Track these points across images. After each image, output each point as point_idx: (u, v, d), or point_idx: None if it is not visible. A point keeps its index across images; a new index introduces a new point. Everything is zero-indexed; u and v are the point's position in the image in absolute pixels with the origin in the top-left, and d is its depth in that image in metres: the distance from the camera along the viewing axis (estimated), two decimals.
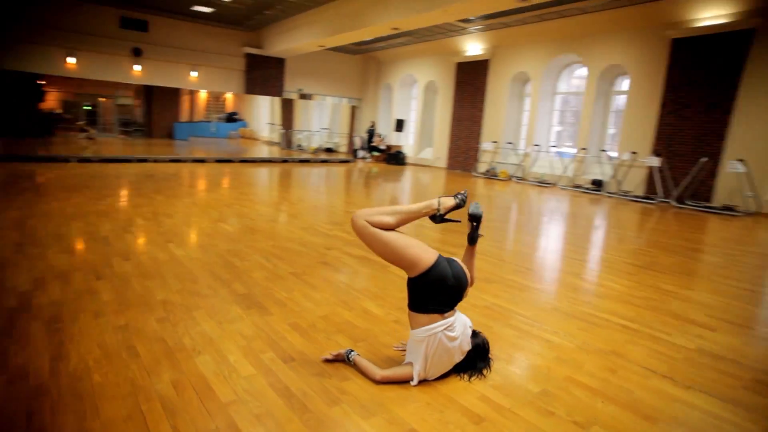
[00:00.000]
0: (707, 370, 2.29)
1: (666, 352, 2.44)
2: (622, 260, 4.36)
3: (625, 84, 10.50)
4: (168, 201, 5.77)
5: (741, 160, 8.17)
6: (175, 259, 3.43)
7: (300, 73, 14.91)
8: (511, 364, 2.19)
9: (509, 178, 12.19)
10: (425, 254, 1.89)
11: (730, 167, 8.29)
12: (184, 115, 15.68)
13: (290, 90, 14.92)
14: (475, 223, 2.09)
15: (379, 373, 1.93)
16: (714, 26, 8.55)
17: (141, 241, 3.89)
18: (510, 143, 12.53)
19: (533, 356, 2.28)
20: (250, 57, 13.55)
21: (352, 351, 2.06)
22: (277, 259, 3.62)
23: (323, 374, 1.97)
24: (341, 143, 16.72)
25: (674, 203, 8.91)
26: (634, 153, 9.67)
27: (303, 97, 15.69)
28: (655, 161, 9.12)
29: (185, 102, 15.59)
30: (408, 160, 15.27)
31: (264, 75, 13.94)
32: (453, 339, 1.94)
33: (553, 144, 12.01)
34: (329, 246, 4.12)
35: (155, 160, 10.64)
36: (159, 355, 2.03)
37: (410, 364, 1.97)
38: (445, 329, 1.91)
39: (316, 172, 10.99)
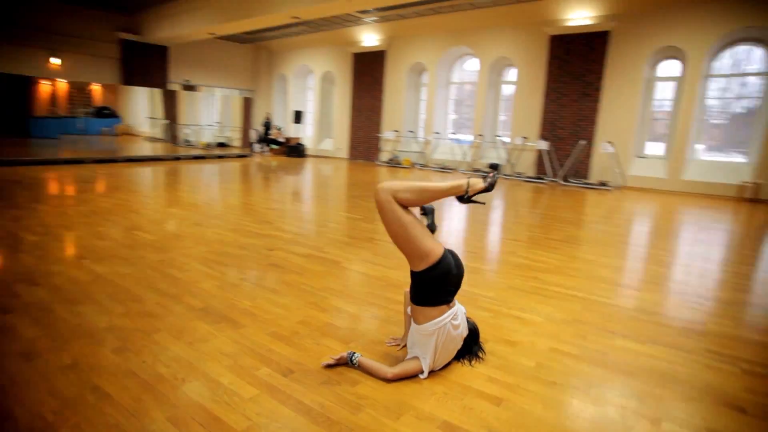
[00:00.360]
0: (649, 324, 2.64)
1: (615, 314, 2.76)
2: (543, 236, 4.80)
3: (512, 74, 11.46)
4: (57, 210, 4.93)
5: (610, 142, 9.47)
6: (101, 277, 2.96)
7: (186, 63, 13.71)
8: (498, 343, 2.29)
9: (412, 165, 12.62)
10: (435, 246, 1.88)
11: (602, 148, 9.57)
12: (40, 110, 13.46)
13: (176, 81, 13.64)
14: (430, 215, 2.23)
15: (390, 371, 1.89)
16: (581, 26, 9.72)
17: (45, 260, 3.28)
18: (411, 132, 12.96)
19: (513, 333, 2.42)
20: (126, 44, 12.08)
21: (355, 353, 1.98)
22: (220, 265, 3.31)
23: (330, 382, 1.87)
24: (234, 137, 15.78)
25: (561, 182, 10.03)
26: (525, 138, 10.65)
27: (188, 88, 14.46)
28: (544, 145, 10.15)
29: (41, 94, 13.39)
30: (308, 152, 14.98)
31: (144, 64, 12.55)
32: (457, 327, 1.97)
33: (452, 131, 12.70)
34: (270, 246, 3.88)
35: (13, 163, 9.00)
36: (136, 391, 1.75)
37: (416, 358, 1.96)
38: (451, 319, 1.94)
39: (214, 169, 10.24)
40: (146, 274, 3.06)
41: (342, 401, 1.74)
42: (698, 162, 9.39)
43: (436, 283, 1.89)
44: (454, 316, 1.95)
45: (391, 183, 1.87)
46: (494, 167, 11.22)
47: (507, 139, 11.32)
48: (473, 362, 2.07)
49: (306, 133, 15.65)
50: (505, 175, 10.87)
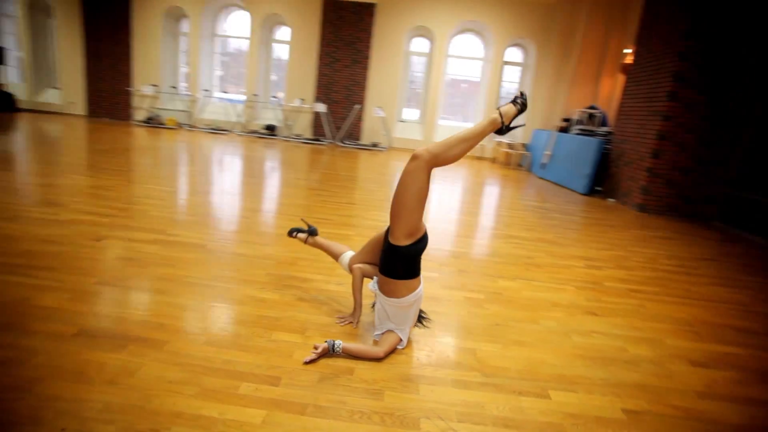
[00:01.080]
0: (503, 265, 3.31)
1: (480, 260, 3.34)
2: (374, 198, 5.17)
3: (284, 33, 11.21)
4: None
5: (381, 107, 10.56)
6: None
7: None
8: (426, 302, 2.49)
9: (178, 126, 11.14)
10: (423, 223, 1.90)
11: (375, 112, 10.59)
12: None
13: None
14: (306, 229, 2.43)
15: (381, 350, 1.88)
16: None
17: None
18: (173, 87, 11.31)
19: (428, 291, 2.66)
20: None
21: (336, 341, 1.86)
22: (39, 270, 2.37)
23: (327, 377, 1.72)
24: None
25: (339, 143, 10.66)
26: (302, 100, 10.75)
27: None
28: (322, 107, 10.50)
29: None
30: (21, 105, 11.30)
31: None
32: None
33: (221, 89, 11.67)
34: (94, 235, 2.97)
35: None
36: None
37: (390, 331, 1.98)
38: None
39: None
40: None
41: (357, 392, 1.65)
42: (445, 126, 11.49)
43: (417, 256, 1.93)
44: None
45: (433, 146, 1.78)
46: (271, 128, 11.02)
47: (282, 101, 11.19)
48: (425, 323, 2.22)
49: (11, 79, 11.65)
50: (284, 136, 10.82)
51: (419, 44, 11.25)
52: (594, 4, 9.18)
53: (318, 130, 10.97)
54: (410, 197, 1.81)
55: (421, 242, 1.90)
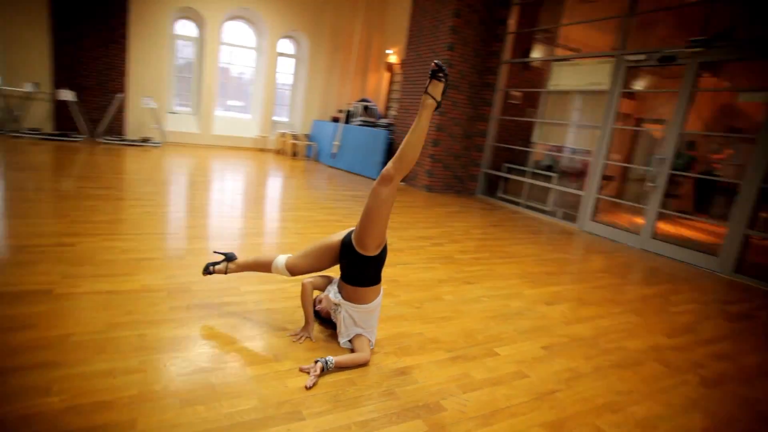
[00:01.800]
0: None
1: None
2: (201, 204, 4.67)
3: None
4: None
5: (151, 97, 9.21)
6: None
7: None
8: None
9: None
10: None
11: (144, 103, 9.16)
12: None
13: None
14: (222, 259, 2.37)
15: (366, 354, 1.98)
16: None
17: None
18: None
19: None
20: None
21: (327, 358, 1.84)
22: None
23: (337, 395, 1.72)
24: None
25: (99, 139, 8.84)
26: (37, 84, 8.40)
27: None
28: (69, 95, 8.45)
29: None
30: None
31: None
32: None
33: None
34: None
35: None
36: None
37: (359, 335, 2.07)
38: None
39: None
40: None
41: (374, 398, 1.72)
42: (223, 118, 10.85)
43: (382, 263, 2.05)
44: None
45: (397, 162, 1.87)
46: None
47: None
48: None
49: None
50: (10, 131, 8.30)
51: (187, 28, 10.20)
52: (359, 6, 10.18)
53: (63, 123, 8.81)
54: (385, 211, 1.93)
55: (386, 249, 2.05)
